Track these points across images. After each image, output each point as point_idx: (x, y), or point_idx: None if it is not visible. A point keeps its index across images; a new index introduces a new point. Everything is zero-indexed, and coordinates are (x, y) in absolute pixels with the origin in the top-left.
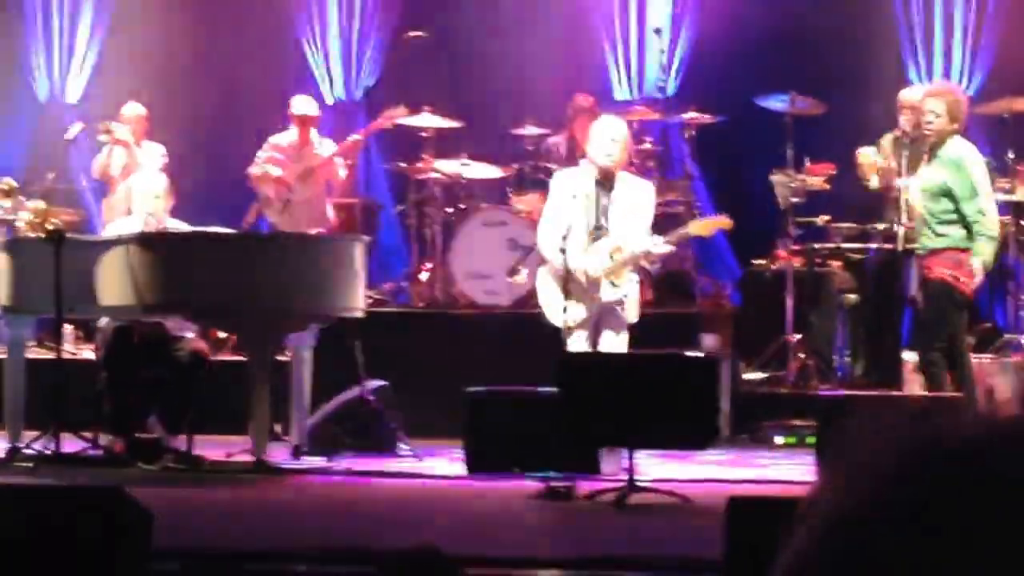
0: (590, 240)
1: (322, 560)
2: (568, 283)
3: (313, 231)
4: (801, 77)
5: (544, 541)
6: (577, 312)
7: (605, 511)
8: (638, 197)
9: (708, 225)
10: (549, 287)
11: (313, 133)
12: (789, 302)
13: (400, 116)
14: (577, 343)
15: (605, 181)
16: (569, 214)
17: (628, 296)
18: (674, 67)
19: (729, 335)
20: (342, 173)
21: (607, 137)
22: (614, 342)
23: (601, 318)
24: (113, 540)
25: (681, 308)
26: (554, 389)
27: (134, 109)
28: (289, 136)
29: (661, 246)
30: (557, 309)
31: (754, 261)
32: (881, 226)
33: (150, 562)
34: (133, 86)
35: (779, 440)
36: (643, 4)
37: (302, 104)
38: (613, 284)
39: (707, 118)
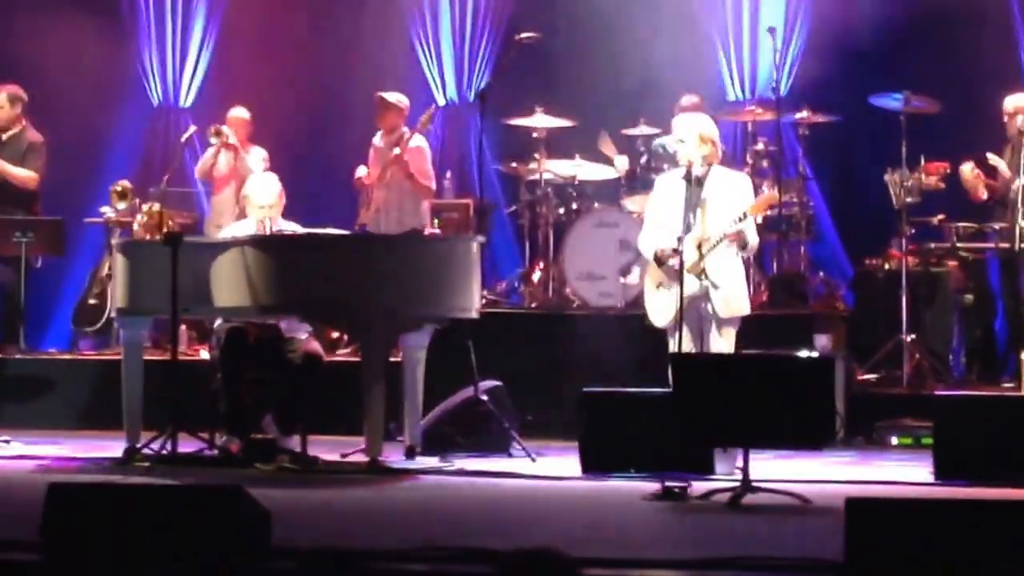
0: (683, 237)
1: (439, 559)
2: (661, 282)
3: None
4: (916, 75)
5: (660, 541)
6: (671, 309)
7: (720, 511)
8: (728, 189)
9: (759, 204)
10: (649, 287)
11: (404, 132)
12: (904, 302)
13: (431, 118)
14: (682, 341)
15: (696, 178)
16: (665, 214)
17: (723, 287)
18: (787, 66)
19: (843, 335)
20: (425, 182)
21: (676, 138)
22: (716, 337)
23: (700, 314)
24: (234, 537)
25: (794, 309)
26: (669, 389)
27: (238, 113)
28: (381, 135)
29: (732, 225)
30: (655, 309)
31: (868, 261)
32: (998, 225)
33: (269, 560)
34: (245, 89)
35: (894, 441)
36: (756, 3)
37: (387, 93)
38: (699, 278)
39: (821, 117)
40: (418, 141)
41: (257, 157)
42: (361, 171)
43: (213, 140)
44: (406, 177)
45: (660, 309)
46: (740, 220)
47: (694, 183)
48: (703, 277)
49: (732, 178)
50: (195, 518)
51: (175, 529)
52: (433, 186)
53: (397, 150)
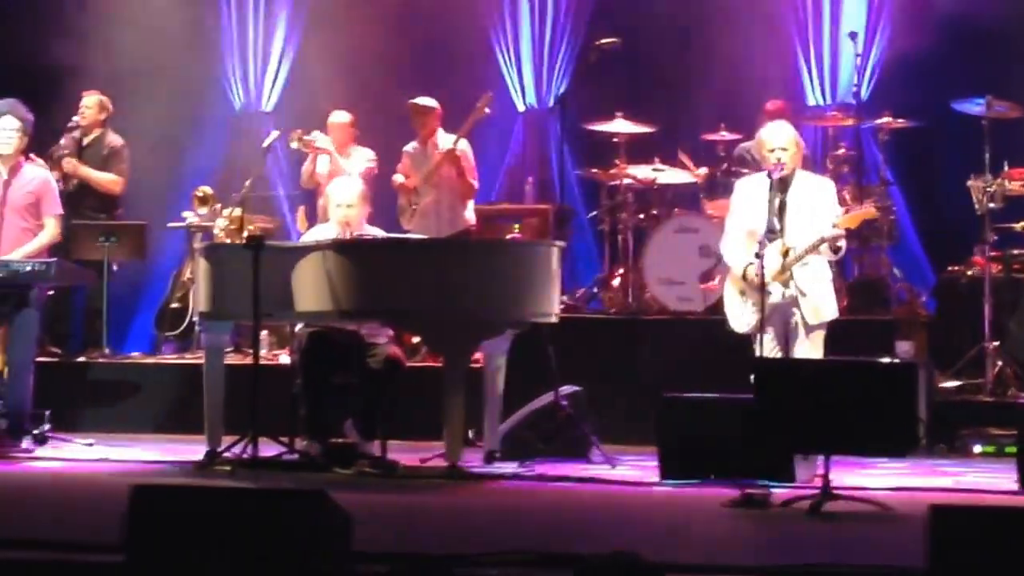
0: (767, 242)
1: (519, 564)
2: (744, 287)
3: (444, 235)
4: (998, 80)
5: (740, 548)
6: (754, 315)
7: (801, 518)
8: (814, 196)
9: (855, 217)
10: (730, 293)
11: (440, 134)
12: (987, 309)
13: (488, 103)
14: (765, 347)
15: (781, 183)
16: (748, 219)
17: (811, 295)
18: (868, 71)
19: (924, 342)
20: (472, 181)
21: (768, 148)
22: (803, 344)
23: (786, 321)
24: (316, 541)
25: (876, 315)
26: (749, 395)
27: (339, 116)
28: (414, 141)
29: (831, 230)
30: (737, 315)
31: (950, 267)
32: None
33: (349, 564)
34: (327, 94)
35: (977, 449)
36: (837, 8)
37: (418, 98)
38: (784, 285)
39: (902, 123)
40: (463, 143)
41: (361, 158)
42: (399, 178)
43: (294, 145)
44: (457, 175)
45: (742, 315)
46: (833, 227)
47: (779, 187)
48: (789, 285)
49: (817, 183)
50: (278, 521)
51: (258, 532)
52: (477, 186)
53: (448, 146)
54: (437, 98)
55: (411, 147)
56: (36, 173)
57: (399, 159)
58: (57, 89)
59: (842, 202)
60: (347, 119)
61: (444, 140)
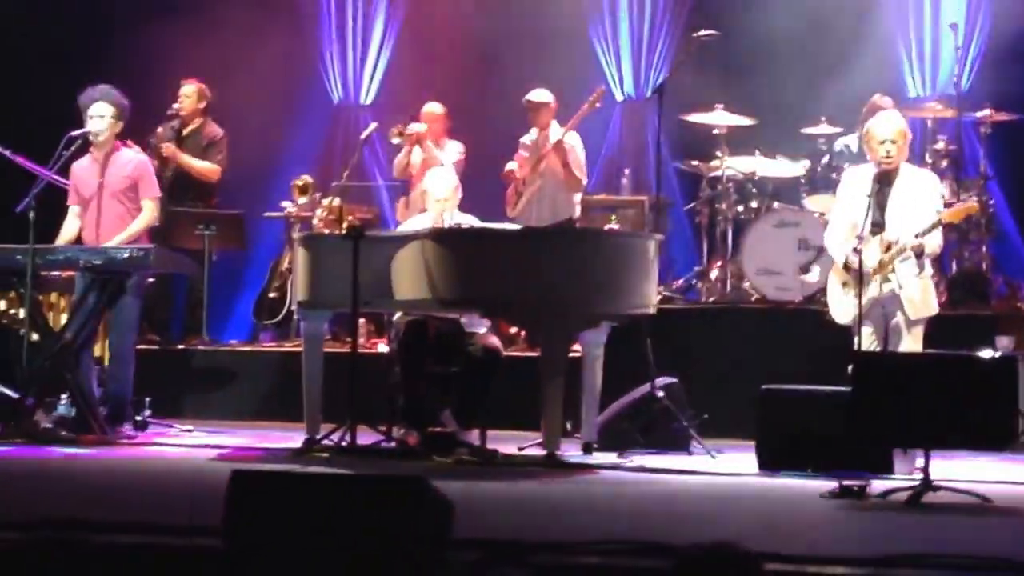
0: (869, 236)
1: (618, 552)
2: (846, 280)
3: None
4: None
5: (839, 538)
6: (854, 309)
7: (900, 510)
8: (918, 189)
9: (957, 212)
10: (833, 283)
11: (553, 126)
12: None
13: (600, 98)
14: (864, 341)
15: (885, 176)
16: (853, 212)
17: (910, 289)
18: (968, 62)
19: None
20: (578, 174)
21: (878, 140)
22: (902, 338)
23: (886, 314)
24: (417, 527)
25: (976, 309)
26: (847, 388)
27: (433, 108)
28: (531, 134)
29: (913, 239)
30: (839, 306)
31: None
32: None
33: (451, 550)
34: (425, 86)
35: None
36: None
37: (532, 93)
38: (885, 279)
39: (1003, 115)
40: (574, 137)
41: (453, 151)
42: (511, 165)
43: (395, 140)
44: (562, 165)
45: (844, 307)
46: (934, 226)
47: (884, 180)
48: (890, 279)
49: (922, 177)
50: (379, 507)
51: (359, 518)
52: (585, 181)
53: (557, 136)
54: (538, 88)
55: (527, 138)
56: (132, 156)
57: (499, 150)
58: (155, 76)
59: None
60: (441, 111)
61: (556, 132)
